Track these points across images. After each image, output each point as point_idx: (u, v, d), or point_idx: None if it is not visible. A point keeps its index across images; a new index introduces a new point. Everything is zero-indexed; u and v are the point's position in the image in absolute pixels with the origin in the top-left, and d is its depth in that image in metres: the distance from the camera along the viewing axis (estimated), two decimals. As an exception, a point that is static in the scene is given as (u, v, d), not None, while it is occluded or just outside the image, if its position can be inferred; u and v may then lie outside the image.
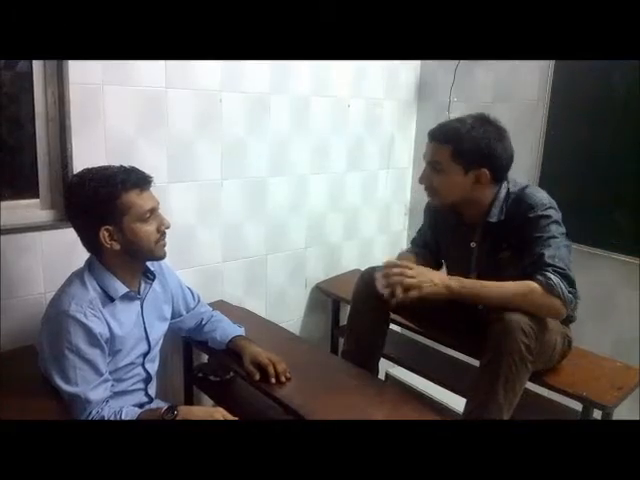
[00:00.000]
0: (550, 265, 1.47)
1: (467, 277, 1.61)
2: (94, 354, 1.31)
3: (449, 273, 1.80)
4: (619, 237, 2.08)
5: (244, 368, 1.53)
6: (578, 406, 1.66)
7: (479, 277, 1.63)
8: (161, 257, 1.43)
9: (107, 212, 1.31)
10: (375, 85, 2.53)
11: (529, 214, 1.53)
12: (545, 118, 2.24)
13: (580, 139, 2.15)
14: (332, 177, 2.46)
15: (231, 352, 1.60)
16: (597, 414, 1.62)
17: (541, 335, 1.48)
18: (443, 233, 1.81)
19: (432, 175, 1.61)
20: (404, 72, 2.63)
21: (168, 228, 1.40)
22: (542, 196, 1.56)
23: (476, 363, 1.61)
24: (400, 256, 1.83)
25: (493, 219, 1.60)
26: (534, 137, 2.27)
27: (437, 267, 1.84)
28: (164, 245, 1.41)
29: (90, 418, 1.29)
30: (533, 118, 2.27)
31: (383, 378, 2.27)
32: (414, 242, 1.94)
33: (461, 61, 2.43)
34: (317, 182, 2.40)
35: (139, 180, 1.34)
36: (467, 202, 1.63)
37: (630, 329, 2.07)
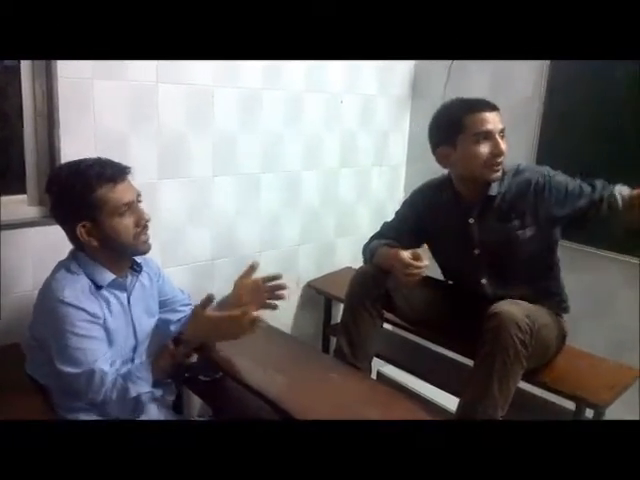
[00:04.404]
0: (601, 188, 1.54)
1: (467, 255, 1.69)
2: (96, 330, 1.30)
3: (442, 255, 1.83)
4: (618, 236, 2.04)
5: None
6: (571, 405, 1.66)
7: (482, 253, 1.67)
8: (144, 251, 1.40)
9: (82, 208, 1.29)
10: (369, 81, 2.51)
11: (541, 180, 1.59)
12: (540, 115, 2.24)
13: (576, 136, 2.15)
14: (325, 173, 2.44)
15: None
16: (590, 413, 1.62)
17: (537, 330, 1.49)
18: (434, 217, 1.77)
19: (502, 143, 1.58)
20: (398, 68, 2.62)
21: (148, 221, 1.37)
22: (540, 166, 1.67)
23: (469, 362, 1.61)
24: (380, 246, 1.77)
25: (493, 192, 1.62)
26: (529, 134, 2.26)
27: None
28: (146, 239, 1.38)
29: (112, 387, 1.28)
30: (528, 115, 2.26)
31: (375, 377, 2.26)
32: (384, 234, 1.84)
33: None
34: (310, 178, 2.38)
35: (113, 173, 1.31)
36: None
37: (628, 328, 2.07)
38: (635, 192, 1.46)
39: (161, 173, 1.88)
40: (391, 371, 2.38)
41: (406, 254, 1.55)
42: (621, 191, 1.51)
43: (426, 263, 1.54)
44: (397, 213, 1.90)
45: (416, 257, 1.54)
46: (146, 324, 1.50)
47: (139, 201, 1.37)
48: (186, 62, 1.85)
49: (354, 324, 1.76)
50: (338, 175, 2.50)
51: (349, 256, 2.59)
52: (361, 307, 1.74)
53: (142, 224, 1.36)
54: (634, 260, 2.04)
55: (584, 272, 2.12)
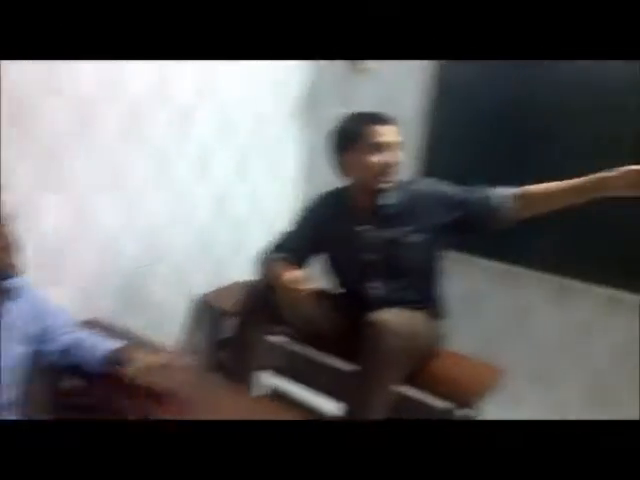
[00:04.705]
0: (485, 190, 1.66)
1: (360, 261, 1.75)
2: None
3: (336, 262, 1.89)
4: (491, 244, 2.23)
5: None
6: (443, 405, 1.76)
7: (373, 259, 1.74)
8: (11, 275, 1.31)
9: None
10: (263, 95, 2.54)
11: (428, 190, 1.73)
12: (425, 129, 2.36)
13: (464, 149, 2.27)
14: (218, 188, 2.44)
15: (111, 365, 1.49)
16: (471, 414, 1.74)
17: (414, 337, 1.58)
18: (329, 225, 1.82)
19: (396, 155, 1.70)
20: (293, 83, 2.67)
21: (13, 243, 1.29)
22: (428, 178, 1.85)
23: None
24: (273, 261, 1.77)
25: (385, 201, 1.72)
26: (414, 148, 2.37)
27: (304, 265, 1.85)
28: (11, 262, 1.29)
29: None
30: (415, 128, 2.37)
31: (266, 391, 2.27)
32: (281, 247, 1.84)
33: (346, 74, 2.58)
34: (202, 193, 2.36)
35: None
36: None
37: (496, 328, 2.33)
38: (519, 191, 1.60)
39: (41, 187, 1.77)
40: (282, 384, 2.40)
41: (290, 277, 1.57)
42: (502, 192, 1.63)
43: (309, 287, 1.57)
44: (294, 223, 1.93)
45: (300, 279, 1.56)
46: (16, 354, 1.39)
47: (6, 223, 1.28)
48: (68, 70, 1.75)
49: (241, 338, 1.77)
50: (232, 190, 2.50)
51: (244, 271, 2.59)
52: (250, 321, 1.76)
53: (7, 248, 1.27)
54: (498, 264, 2.27)
55: (459, 277, 2.27)
